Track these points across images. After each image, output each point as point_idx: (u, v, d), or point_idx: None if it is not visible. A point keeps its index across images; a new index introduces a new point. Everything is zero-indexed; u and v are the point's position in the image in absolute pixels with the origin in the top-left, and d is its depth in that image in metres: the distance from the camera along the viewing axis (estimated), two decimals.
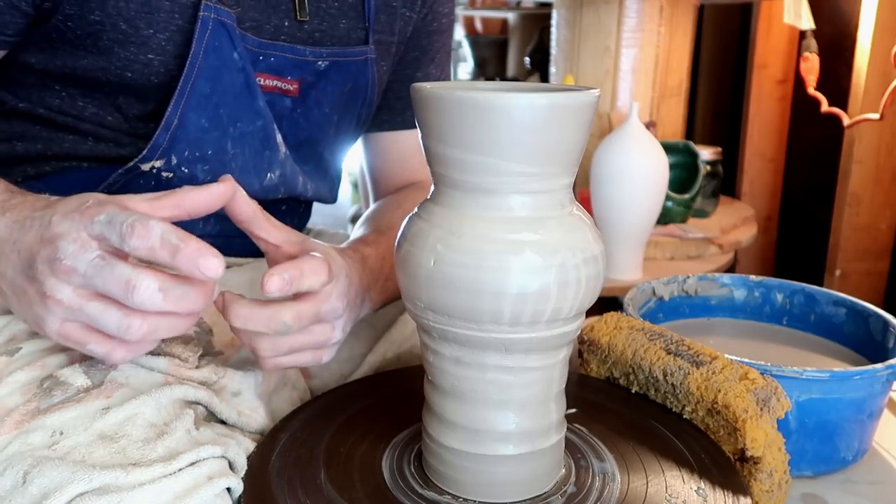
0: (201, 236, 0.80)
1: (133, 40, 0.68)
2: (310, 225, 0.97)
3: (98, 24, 0.67)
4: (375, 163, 0.95)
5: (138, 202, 0.50)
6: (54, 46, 0.68)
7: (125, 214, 0.46)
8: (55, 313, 0.48)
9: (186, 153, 0.71)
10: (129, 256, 0.48)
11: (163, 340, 0.62)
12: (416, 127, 0.91)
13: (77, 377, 0.55)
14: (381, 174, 0.95)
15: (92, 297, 0.48)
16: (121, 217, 0.46)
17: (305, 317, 0.56)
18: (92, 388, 0.54)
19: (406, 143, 0.92)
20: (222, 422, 0.61)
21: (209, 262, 0.45)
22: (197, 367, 0.62)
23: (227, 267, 0.61)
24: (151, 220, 0.46)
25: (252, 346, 0.57)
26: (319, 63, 0.77)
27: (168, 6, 0.68)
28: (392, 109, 0.90)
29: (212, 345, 0.69)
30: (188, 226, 0.78)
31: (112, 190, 0.71)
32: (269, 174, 0.78)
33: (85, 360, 0.57)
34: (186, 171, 0.72)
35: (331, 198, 0.90)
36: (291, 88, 0.77)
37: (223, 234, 0.80)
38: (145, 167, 0.70)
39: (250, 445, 0.59)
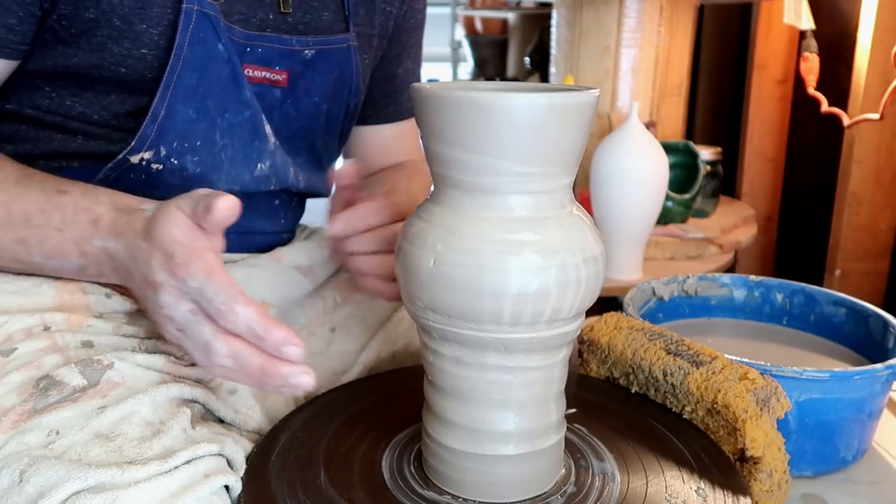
0: None
1: (127, 36, 0.68)
2: (308, 223, 0.97)
3: (92, 21, 0.67)
4: (357, 156, 0.96)
5: (196, 238, 0.54)
6: (45, 47, 0.68)
7: (213, 289, 0.50)
8: (170, 337, 0.55)
9: (175, 144, 0.71)
10: None
11: (158, 339, 0.62)
12: (399, 120, 0.92)
13: (73, 377, 0.55)
14: (364, 164, 0.95)
15: (188, 338, 0.53)
16: (210, 292, 0.51)
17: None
18: (88, 388, 0.54)
19: (387, 136, 0.94)
20: (219, 421, 0.61)
21: (290, 349, 0.50)
22: (193, 365, 0.62)
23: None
24: (237, 305, 0.50)
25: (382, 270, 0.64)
26: (306, 52, 0.77)
27: (161, 1, 0.68)
28: (375, 105, 0.92)
29: None
30: None
31: (103, 185, 0.71)
32: (259, 164, 0.78)
33: (80, 359, 0.56)
34: (176, 162, 0.72)
35: (324, 191, 0.90)
36: (280, 79, 0.77)
37: None
38: (134, 159, 0.70)
39: (248, 444, 0.59)
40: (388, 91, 0.91)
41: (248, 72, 0.74)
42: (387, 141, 0.94)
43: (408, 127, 0.95)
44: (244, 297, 0.51)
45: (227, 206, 0.53)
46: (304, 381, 0.50)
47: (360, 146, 0.95)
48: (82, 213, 0.59)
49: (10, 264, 0.62)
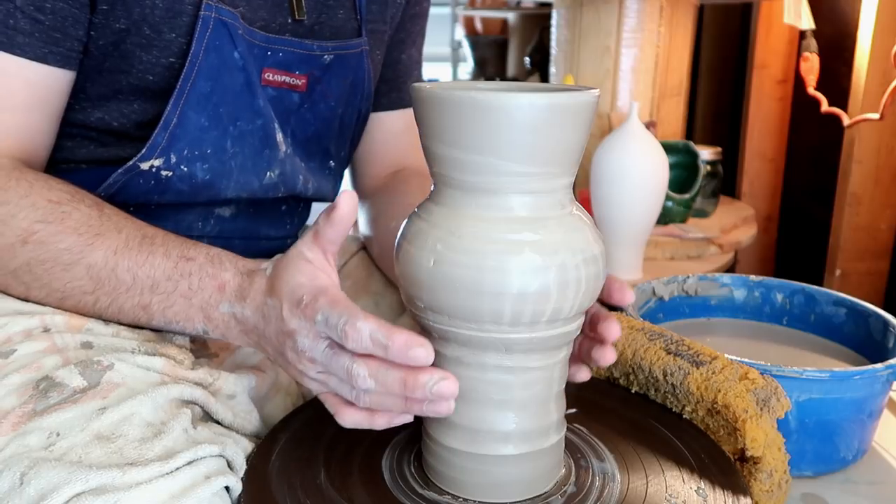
0: (200, 237, 0.80)
1: (156, 44, 0.68)
2: (309, 223, 0.97)
3: (123, 31, 0.67)
4: (362, 145, 0.95)
5: (310, 249, 0.55)
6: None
7: (336, 314, 0.50)
8: (312, 385, 0.55)
9: (185, 152, 0.71)
10: None
11: (157, 342, 0.62)
12: (400, 108, 0.91)
13: (73, 378, 0.54)
14: (368, 156, 0.95)
15: (332, 375, 0.53)
16: (333, 318, 0.50)
17: None
18: (88, 389, 0.54)
19: (391, 124, 0.93)
20: (217, 423, 0.61)
21: (417, 352, 0.48)
22: (193, 368, 0.62)
23: None
24: (358, 321, 0.49)
25: None
26: (325, 57, 0.77)
27: (190, 10, 0.68)
28: (377, 91, 0.91)
29: (207, 346, 0.69)
30: (190, 227, 0.78)
31: (111, 191, 0.71)
32: (268, 173, 0.78)
33: (80, 360, 0.56)
34: (185, 169, 0.72)
35: (332, 196, 0.90)
36: (299, 83, 0.77)
37: (223, 234, 0.80)
38: (144, 166, 0.70)
39: (248, 445, 0.59)
40: (391, 77, 0.91)
41: (268, 76, 0.74)
42: (392, 129, 0.93)
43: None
44: (364, 313, 0.50)
45: (348, 199, 0.53)
46: (445, 386, 0.48)
47: (366, 135, 0.93)
48: (209, 280, 0.59)
49: (125, 324, 0.62)
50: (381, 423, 0.53)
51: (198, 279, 0.59)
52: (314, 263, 0.55)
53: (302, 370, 0.54)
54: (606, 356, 0.58)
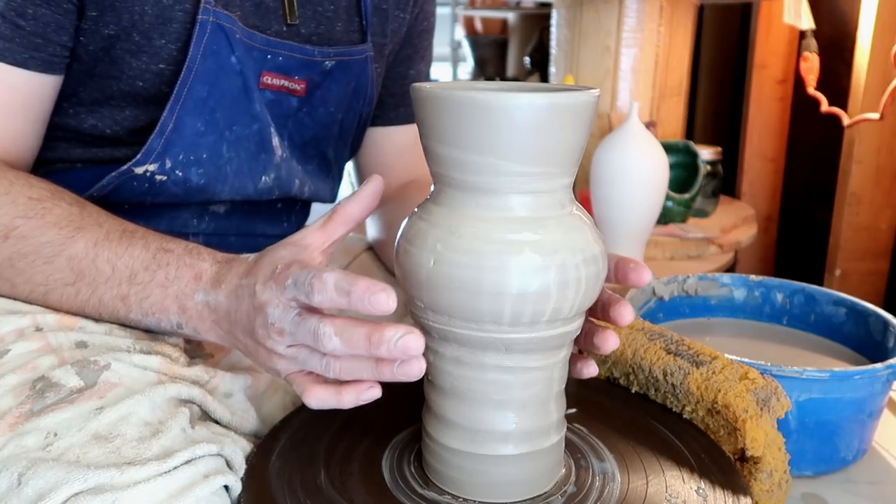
0: (196, 234, 0.80)
1: (146, 50, 0.68)
2: (309, 223, 0.97)
3: (112, 37, 0.67)
4: (370, 158, 0.95)
5: (313, 234, 0.56)
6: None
7: (305, 273, 0.50)
8: (282, 364, 0.54)
9: (181, 157, 0.71)
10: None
11: (152, 340, 0.62)
12: (409, 122, 0.92)
13: (70, 378, 0.54)
14: (377, 169, 0.95)
15: (301, 347, 0.52)
16: (302, 277, 0.49)
17: None
18: (85, 389, 0.54)
19: (401, 138, 0.93)
20: (216, 423, 0.61)
21: (378, 297, 0.47)
22: (189, 366, 0.62)
23: None
24: (325, 273, 0.48)
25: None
26: (326, 63, 0.77)
27: (181, 17, 0.68)
28: (385, 105, 0.91)
29: (202, 346, 0.69)
30: (185, 224, 0.78)
31: (105, 192, 0.71)
32: (263, 177, 0.78)
33: (76, 360, 0.56)
34: (180, 174, 0.72)
35: (330, 198, 0.90)
36: (298, 88, 0.77)
37: (218, 232, 0.80)
38: (139, 171, 0.70)
39: (247, 445, 0.59)
40: (398, 92, 0.91)
41: (267, 79, 0.74)
42: (403, 143, 0.93)
43: None
44: (332, 268, 0.50)
45: (377, 179, 0.55)
46: (411, 340, 0.46)
47: (374, 148, 0.94)
48: (186, 270, 0.59)
49: (106, 319, 0.62)
50: (348, 399, 0.51)
51: (175, 269, 0.59)
52: (307, 248, 0.55)
53: (271, 347, 0.53)
54: (609, 342, 0.56)
